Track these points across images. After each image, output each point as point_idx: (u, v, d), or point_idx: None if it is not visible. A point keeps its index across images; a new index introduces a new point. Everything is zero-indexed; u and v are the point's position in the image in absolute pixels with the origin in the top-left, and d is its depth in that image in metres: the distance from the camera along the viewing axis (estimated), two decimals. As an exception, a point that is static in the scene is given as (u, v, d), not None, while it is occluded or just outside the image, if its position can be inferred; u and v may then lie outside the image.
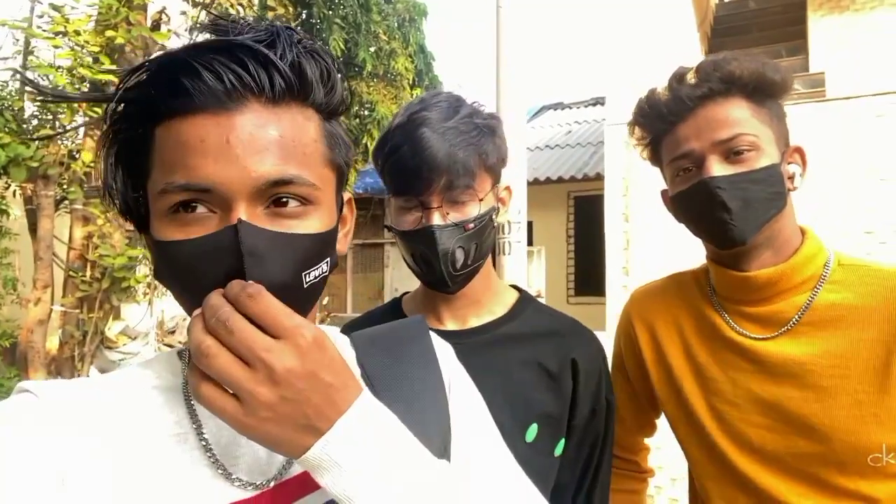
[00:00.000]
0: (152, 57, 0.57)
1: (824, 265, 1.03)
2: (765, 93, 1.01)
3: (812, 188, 4.04)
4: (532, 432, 1.03)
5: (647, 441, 1.37)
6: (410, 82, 9.00)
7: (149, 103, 0.56)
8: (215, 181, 0.54)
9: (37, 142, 4.29)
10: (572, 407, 1.06)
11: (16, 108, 4.49)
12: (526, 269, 2.37)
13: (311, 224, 0.59)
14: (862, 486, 0.93)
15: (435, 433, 0.68)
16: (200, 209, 0.55)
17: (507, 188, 1.16)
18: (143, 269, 5.15)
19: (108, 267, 4.39)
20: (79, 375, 4.45)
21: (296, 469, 0.63)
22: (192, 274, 0.55)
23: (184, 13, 5.06)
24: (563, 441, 1.06)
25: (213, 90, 0.54)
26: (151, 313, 5.29)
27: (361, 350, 0.73)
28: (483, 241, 1.06)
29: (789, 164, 1.04)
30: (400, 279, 9.76)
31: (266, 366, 0.49)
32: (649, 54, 4.68)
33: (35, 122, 4.68)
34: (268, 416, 0.49)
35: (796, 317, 1.01)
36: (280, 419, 0.50)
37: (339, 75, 0.63)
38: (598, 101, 10.55)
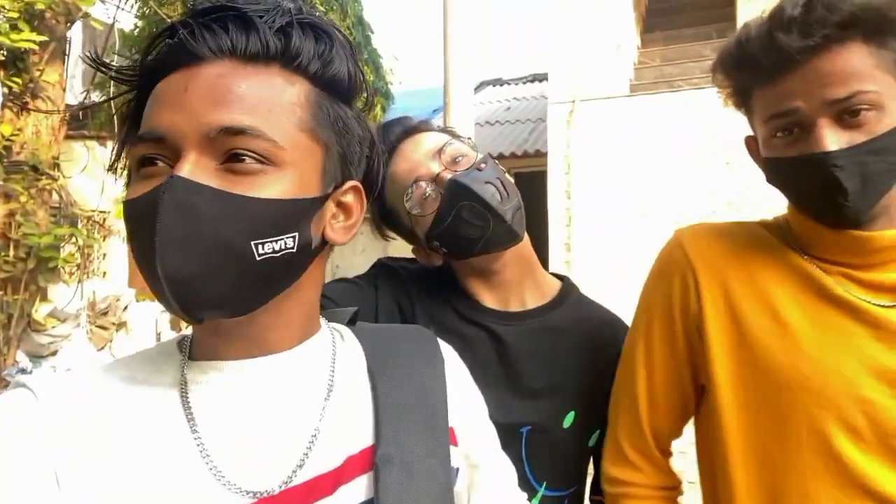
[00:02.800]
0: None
1: None
2: (890, 31, 0.82)
3: (733, 171, 4.21)
4: (569, 419, 1.05)
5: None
6: (349, 55, 8.79)
7: (146, 69, 0.58)
8: (167, 127, 0.53)
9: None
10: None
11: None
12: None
13: (270, 188, 0.54)
14: None
15: (440, 435, 0.68)
16: (155, 164, 0.54)
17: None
18: (70, 248, 4.92)
19: (32, 246, 4.17)
20: (4, 360, 4.25)
21: (301, 477, 0.59)
22: (130, 234, 0.54)
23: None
24: (597, 431, 1.08)
25: (187, 47, 0.55)
26: (81, 294, 5.07)
27: (368, 344, 0.72)
28: (505, 180, 1.05)
29: None
30: (341, 255, 9.66)
31: None
32: (589, 33, 4.75)
33: (-53, 92, 4.36)
34: None
35: None
36: None
37: (345, 54, 0.61)
38: (538, 78, 10.62)
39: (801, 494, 0.87)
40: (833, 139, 0.81)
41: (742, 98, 0.94)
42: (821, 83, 0.81)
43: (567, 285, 1.17)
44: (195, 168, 0.52)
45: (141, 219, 0.51)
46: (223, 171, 0.53)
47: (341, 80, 0.62)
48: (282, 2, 0.58)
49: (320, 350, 0.66)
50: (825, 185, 0.83)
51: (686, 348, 0.98)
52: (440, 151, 1.02)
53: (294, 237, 0.56)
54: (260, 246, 0.53)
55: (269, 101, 0.55)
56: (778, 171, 0.91)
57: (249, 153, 0.53)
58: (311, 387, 0.64)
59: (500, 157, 8.38)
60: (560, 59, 4.57)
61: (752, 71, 0.88)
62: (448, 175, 0.99)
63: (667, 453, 1.04)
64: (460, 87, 2.47)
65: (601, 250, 3.92)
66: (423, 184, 1.01)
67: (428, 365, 0.73)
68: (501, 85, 11.84)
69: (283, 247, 0.55)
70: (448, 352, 0.78)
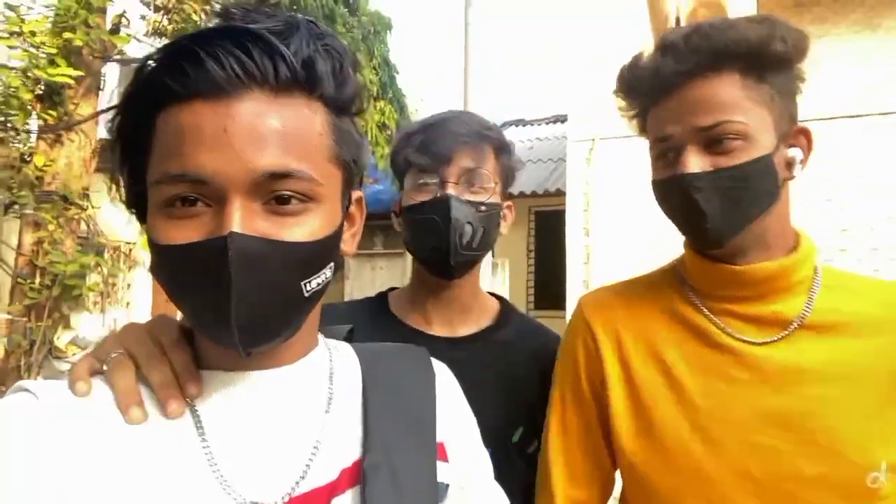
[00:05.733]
0: (165, 43, 0.56)
1: (814, 268, 0.91)
2: (766, 66, 0.85)
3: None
4: (518, 434, 1.08)
5: None
6: (374, 94, 9.00)
7: (151, 88, 0.54)
8: (211, 172, 0.52)
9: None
10: None
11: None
12: (490, 280, 2.40)
13: (312, 225, 0.56)
14: None
15: (428, 445, 0.68)
16: (194, 204, 0.53)
17: (510, 206, 1.21)
18: (95, 277, 5.01)
19: (58, 274, 4.26)
20: (25, 386, 4.28)
21: (301, 489, 0.59)
22: (182, 280, 0.54)
23: (143, 17, 4.97)
24: (537, 441, 1.10)
25: (213, 75, 0.52)
26: (103, 323, 5.13)
27: (363, 358, 0.72)
28: (489, 229, 1.11)
29: (791, 146, 0.89)
30: (360, 289, 9.69)
31: None
32: (610, 73, 4.79)
33: (-15, 123, 4.53)
34: None
35: (798, 320, 0.87)
36: None
37: (353, 72, 0.61)
38: (559, 119, 10.72)
39: None
40: (695, 163, 0.84)
41: (641, 121, 0.97)
42: (690, 110, 0.85)
43: (506, 304, 1.24)
44: (244, 214, 0.52)
45: (203, 269, 0.52)
46: (269, 212, 0.54)
47: (352, 99, 0.62)
48: (295, 20, 0.56)
49: (321, 363, 0.67)
50: (687, 206, 0.86)
51: (598, 414, 0.98)
52: (466, 170, 1.09)
53: (331, 267, 0.60)
54: (308, 284, 0.57)
55: (304, 138, 0.56)
56: (657, 193, 0.94)
57: (294, 194, 0.55)
58: (313, 399, 0.64)
59: (521, 195, 8.42)
60: (579, 99, 4.62)
61: (640, 95, 0.93)
62: (451, 191, 1.06)
63: None
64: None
65: (619, 289, 3.92)
66: (427, 178, 1.09)
67: (419, 380, 0.73)
68: (524, 125, 11.96)
69: (324, 279, 0.59)
70: (441, 370, 0.78)
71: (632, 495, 0.96)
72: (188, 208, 0.53)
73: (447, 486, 0.69)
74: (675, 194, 0.88)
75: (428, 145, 1.09)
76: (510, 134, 11.78)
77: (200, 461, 0.56)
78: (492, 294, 1.27)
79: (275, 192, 0.54)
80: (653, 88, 0.89)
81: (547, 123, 11.47)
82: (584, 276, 4.34)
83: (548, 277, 8.46)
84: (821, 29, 5.85)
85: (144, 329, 0.64)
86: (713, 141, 0.84)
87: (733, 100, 0.84)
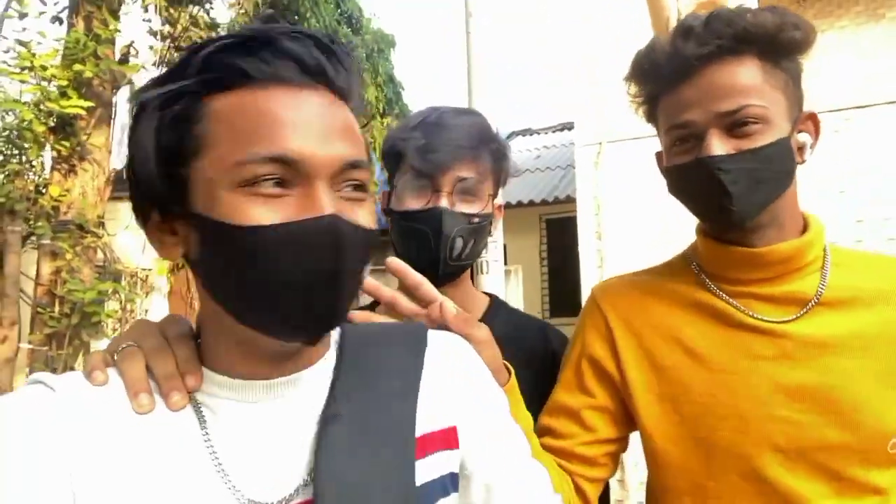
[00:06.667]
0: (220, 35, 0.58)
1: (824, 247, 0.95)
2: (782, 52, 0.88)
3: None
4: None
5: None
6: (380, 111, 9.07)
7: (220, 70, 0.55)
8: (303, 156, 0.54)
9: (2, 177, 4.23)
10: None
11: (-19, 144, 4.42)
12: (504, 288, 2.40)
13: (370, 213, 0.59)
14: (877, 478, 0.86)
15: (405, 417, 0.65)
16: (281, 185, 0.54)
17: (499, 207, 1.21)
18: (113, 304, 5.06)
19: (77, 302, 4.30)
20: (48, 415, 4.32)
21: (303, 495, 0.59)
22: (269, 260, 0.53)
23: (151, 48, 5.06)
24: None
25: (299, 64, 0.55)
26: (123, 349, 5.17)
27: (349, 339, 0.70)
28: (479, 240, 1.11)
29: (800, 132, 0.92)
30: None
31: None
32: (613, 75, 4.80)
33: (1, 157, 4.61)
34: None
35: (815, 297, 0.91)
36: None
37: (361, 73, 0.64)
38: (566, 126, 10.75)
39: None
40: (719, 146, 0.86)
41: (650, 108, 0.99)
42: (713, 96, 0.87)
43: (496, 298, 1.24)
44: (328, 199, 0.54)
45: (302, 249, 0.53)
46: (345, 199, 0.57)
47: (363, 100, 0.65)
48: (332, 35, 0.60)
49: (328, 363, 0.67)
50: (712, 188, 0.87)
51: (606, 395, 1.01)
52: (460, 180, 1.07)
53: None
54: (365, 269, 0.60)
55: (358, 132, 0.60)
56: (675, 179, 0.95)
57: (363, 183, 0.59)
58: (318, 401, 0.64)
59: (531, 203, 8.42)
60: (586, 103, 4.63)
61: (656, 80, 0.94)
62: (444, 203, 1.05)
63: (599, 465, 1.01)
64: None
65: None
66: (420, 183, 1.07)
67: (402, 355, 0.70)
68: (531, 134, 11.99)
69: (368, 266, 0.61)
70: (453, 347, 0.75)
71: (659, 479, 0.98)
72: (276, 188, 0.54)
73: (454, 474, 0.68)
74: (699, 177, 0.89)
75: (426, 151, 1.06)
76: (517, 144, 11.84)
77: (203, 457, 0.57)
78: (483, 293, 1.26)
79: (348, 180, 0.57)
80: (671, 72, 0.90)
81: (554, 131, 11.50)
82: (598, 280, 4.32)
83: (562, 285, 8.44)
84: (825, 22, 5.84)
85: (155, 324, 0.65)
86: (735, 125, 0.86)
87: (754, 84, 0.86)
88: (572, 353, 1.06)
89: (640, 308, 1.01)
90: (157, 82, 0.58)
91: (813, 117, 0.94)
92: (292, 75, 0.55)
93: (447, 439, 0.68)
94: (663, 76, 0.92)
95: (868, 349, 0.88)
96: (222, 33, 0.58)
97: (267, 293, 0.54)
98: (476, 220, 1.08)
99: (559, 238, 8.66)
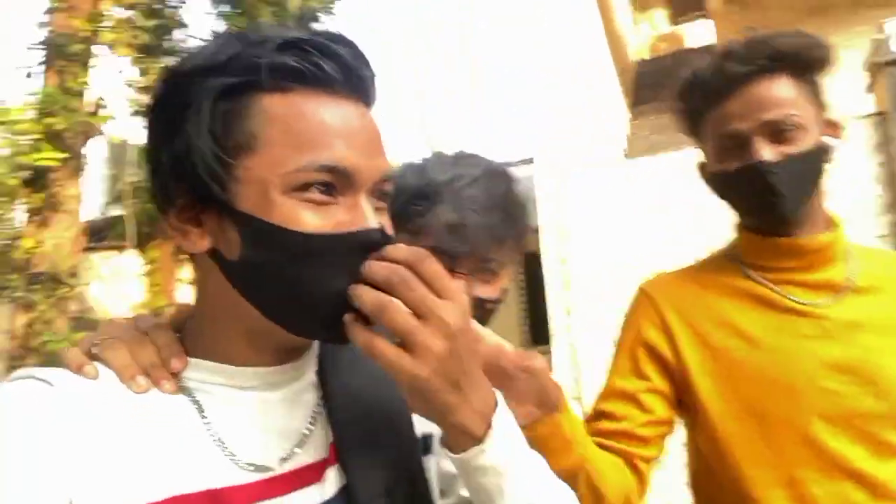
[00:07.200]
0: (263, 33, 0.56)
1: (845, 241, 1.08)
2: (809, 68, 1.02)
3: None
4: None
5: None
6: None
7: (271, 70, 0.55)
8: (353, 166, 0.55)
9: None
10: None
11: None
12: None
13: (389, 219, 0.61)
14: None
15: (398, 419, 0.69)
16: (331, 194, 0.55)
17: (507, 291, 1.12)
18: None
19: (52, 353, 4.28)
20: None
21: (299, 459, 0.62)
22: (317, 265, 0.55)
23: (130, 99, 5.13)
24: None
25: (349, 74, 0.57)
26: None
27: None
28: (490, 320, 1.04)
29: (825, 136, 1.04)
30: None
31: (440, 319, 0.52)
32: (573, 112, 4.97)
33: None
34: (437, 369, 0.52)
35: (846, 284, 1.04)
36: (445, 374, 0.53)
37: None
38: (525, 161, 10.93)
39: (788, 482, 1.00)
40: (767, 151, 0.98)
41: (693, 122, 1.11)
42: (758, 107, 0.99)
43: None
44: (371, 210, 0.56)
45: (351, 256, 0.55)
46: (380, 210, 0.59)
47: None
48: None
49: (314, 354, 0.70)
50: (763, 189, 1.00)
51: (661, 380, 1.09)
52: (483, 260, 0.99)
53: None
54: None
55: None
56: (723, 184, 1.07)
57: (386, 195, 0.60)
58: (308, 385, 0.66)
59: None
60: (543, 138, 4.77)
61: (703, 96, 1.05)
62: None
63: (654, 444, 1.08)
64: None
65: (603, 312, 3.97)
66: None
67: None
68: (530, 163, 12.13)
69: None
70: None
71: (713, 456, 1.07)
72: (324, 195, 0.55)
73: (431, 435, 0.71)
74: (750, 179, 1.00)
75: (457, 227, 0.95)
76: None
77: (201, 431, 0.58)
78: None
79: (380, 189, 0.59)
80: (717, 89, 1.02)
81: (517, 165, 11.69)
82: (565, 304, 4.41)
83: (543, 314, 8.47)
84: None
85: (125, 320, 0.66)
86: (777, 132, 0.98)
87: (791, 96, 0.99)
88: (625, 342, 1.14)
89: (691, 297, 1.12)
90: (203, 70, 0.56)
91: (838, 123, 1.06)
92: (341, 84, 0.56)
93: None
94: (710, 93, 1.03)
95: (893, 329, 1.02)
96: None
97: (313, 296, 0.55)
98: (489, 304, 1.00)
99: (533, 267, 8.73)
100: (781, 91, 0.99)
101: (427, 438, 0.72)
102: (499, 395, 0.61)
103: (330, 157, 0.54)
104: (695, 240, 4.41)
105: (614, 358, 1.16)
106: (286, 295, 0.56)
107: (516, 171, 1.09)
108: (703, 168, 1.15)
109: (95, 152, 6.13)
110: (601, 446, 1.01)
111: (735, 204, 1.10)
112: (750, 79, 1.00)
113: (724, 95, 1.02)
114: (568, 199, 5.20)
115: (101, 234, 6.30)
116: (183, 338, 0.63)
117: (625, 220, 5.01)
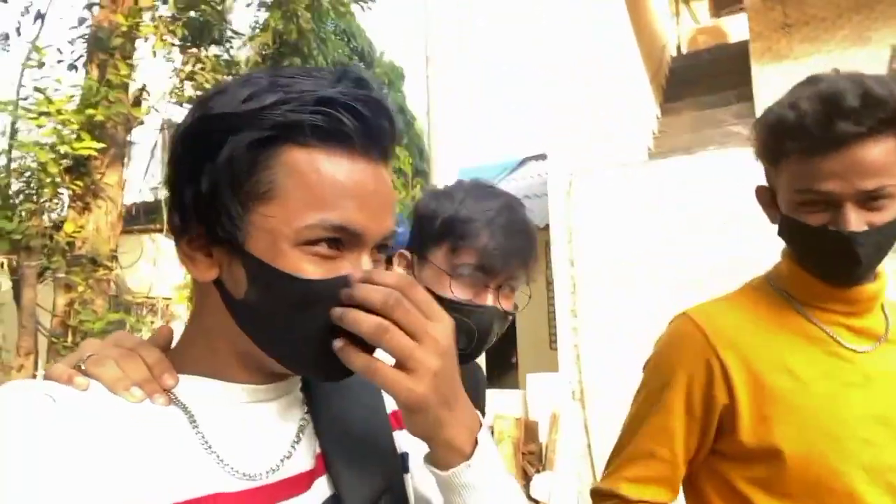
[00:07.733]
0: (291, 85, 0.57)
1: None
2: None
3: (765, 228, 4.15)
4: None
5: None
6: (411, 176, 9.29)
7: (295, 127, 0.56)
8: (364, 228, 0.59)
9: (20, 215, 4.53)
10: None
11: (2, 185, 4.74)
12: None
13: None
14: None
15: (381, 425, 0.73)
16: (338, 249, 0.59)
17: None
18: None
19: (88, 332, 4.54)
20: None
21: (288, 469, 0.64)
22: (312, 308, 0.58)
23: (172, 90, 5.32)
24: None
25: (371, 136, 0.58)
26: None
27: None
28: (497, 334, 1.20)
29: None
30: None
31: (433, 339, 0.56)
32: (595, 108, 4.93)
33: (21, 196, 4.92)
34: (432, 385, 0.56)
35: (884, 334, 1.06)
36: (439, 390, 0.57)
37: None
38: (539, 157, 10.84)
39: None
40: (857, 221, 0.96)
41: (773, 155, 1.06)
42: (856, 172, 0.95)
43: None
44: (370, 266, 0.60)
45: (331, 303, 0.57)
46: (377, 263, 0.63)
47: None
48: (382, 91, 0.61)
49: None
50: (845, 256, 0.98)
51: (707, 416, 1.07)
52: (510, 279, 1.16)
53: None
54: None
55: None
56: (798, 233, 1.04)
57: (389, 246, 0.65)
58: (296, 400, 0.70)
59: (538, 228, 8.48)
60: (557, 134, 4.75)
61: (801, 142, 0.99)
62: (490, 301, 1.14)
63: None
64: (445, 171, 2.68)
65: (606, 316, 3.94)
66: (477, 275, 1.14)
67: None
68: (544, 159, 12.08)
69: None
70: None
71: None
72: (330, 250, 0.58)
73: (408, 454, 0.75)
74: (834, 244, 0.98)
75: (500, 250, 1.12)
76: (530, 170, 11.91)
77: (193, 442, 0.60)
78: None
79: (382, 245, 0.63)
80: (821, 143, 0.96)
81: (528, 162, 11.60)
82: (570, 306, 4.41)
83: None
84: (812, 46, 5.91)
85: (105, 340, 0.66)
86: (869, 200, 0.96)
87: (888, 163, 0.95)
88: (674, 377, 1.10)
89: (744, 332, 1.08)
90: (237, 117, 0.57)
91: None
92: (361, 145, 0.58)
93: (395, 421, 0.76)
94: (811, 142, 0.97)
95: None
96: (241, 72, 0.64)
97: (312, 341, 0.59)
98: (509, 317, 1.17)
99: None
100: (884, 157, 0.95)
101: (405, 457, 0.75)
102: (478, 413, 0.65)
103: (341, 217, 0.57)
104: (695, 239, 4.35)
105: (657, 390, 1.11)
106: (286, 339, 0.59)
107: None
108: (761, 194, 1.12)
109: (148, 138, 6.39)
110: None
111: (804, 253, 1.07)
112: (857, 140, 0.94)
113: (824, 151, 0.96)
114: (576, 200, 5.18)
115: (138, 218, 6.58)
116: (170, 357, 0.64)
117: (626, 222, 4.92)
